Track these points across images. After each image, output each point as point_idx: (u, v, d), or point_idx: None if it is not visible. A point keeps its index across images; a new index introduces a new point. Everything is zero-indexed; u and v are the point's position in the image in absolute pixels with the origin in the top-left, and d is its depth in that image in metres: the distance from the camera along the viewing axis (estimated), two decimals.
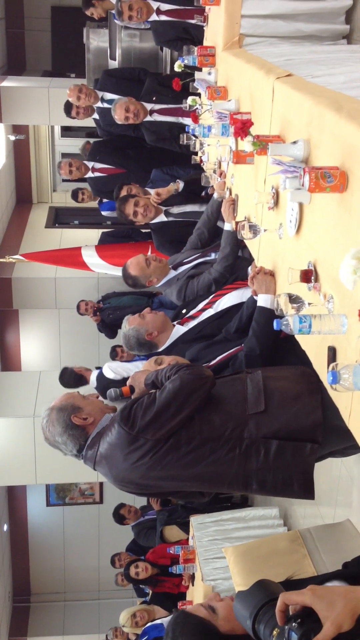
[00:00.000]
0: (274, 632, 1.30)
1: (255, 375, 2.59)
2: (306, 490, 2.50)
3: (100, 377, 5.44)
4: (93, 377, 5.67)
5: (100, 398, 2.77)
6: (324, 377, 2.05)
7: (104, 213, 7.39)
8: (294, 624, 1.24)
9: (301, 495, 2.51)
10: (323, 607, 1.24)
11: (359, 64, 3.23)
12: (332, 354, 1.99)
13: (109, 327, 7.67)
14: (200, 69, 4.42)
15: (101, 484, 10.07)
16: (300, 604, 1.27)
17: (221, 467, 2.46)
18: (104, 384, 5.19)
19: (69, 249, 7.40)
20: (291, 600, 1.28)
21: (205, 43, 4.70)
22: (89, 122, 6.84)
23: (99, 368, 5.69)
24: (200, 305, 3.59)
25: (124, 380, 3.31)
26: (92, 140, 7.42)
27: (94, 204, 7.92)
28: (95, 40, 7.68)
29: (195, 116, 4.44)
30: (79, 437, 2.57)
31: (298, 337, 2.27)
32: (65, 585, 10.57)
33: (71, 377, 5.85)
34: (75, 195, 7.11)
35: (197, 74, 4.38)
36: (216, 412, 2.48)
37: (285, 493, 2.54)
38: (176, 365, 2.59)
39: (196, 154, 4.76)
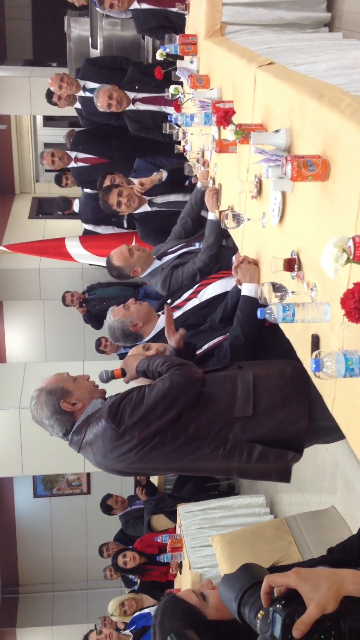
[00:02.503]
0: (259, 614, 1.32)
1: (247, 376, 2.57)
2: (284, 477, 2.57)
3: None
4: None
5: (91, 379, 2.75)
6: (308, 365, 2.07)
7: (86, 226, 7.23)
8: (278, 605, 1.26)
9: (279, 480, 2.60)
10: (307, 589, 1.26)
11: (340, 52, 3.23)
12: (315, 341, 2.01)
13: (95, 318, 7.66)
14: (182, 58, 4.40)
15: (88, 474, 10.08)
16: (285, 586, 1.29)
17: (204, 462, 2.51)
18: None
19: (52, 239, 7.35)
20: (276, 582, 1.30)
21: (187, 31, 4.69)
22: (71, 111, 6.80)
23: None
24: (185, 295, 3.59)
25: None
26: (76, 128, 7.36)
27: (77, 193, 7.87)
28: (77, 29, 7.63)
29: (177, 105, 4.43)
30: (66, 421, 2.58)
31: (282, 326, 2.29)
32: (53, 575, 10.59)
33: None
34: (59, 179, 7.05)
35: (179, 63, 4.36)
36: (204, 412, 2.48)
37: (263, 479, 2.63)
38: (168, 361, 2.56)
39: (179, 143, 4.75)
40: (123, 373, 2.75)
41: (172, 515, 6.30)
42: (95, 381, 2.75)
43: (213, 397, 2.52)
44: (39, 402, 2.60)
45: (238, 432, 2.46)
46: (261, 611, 1.32)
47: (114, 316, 3.34)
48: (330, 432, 1.90)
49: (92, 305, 7.68)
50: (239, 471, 2.55)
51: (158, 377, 2.52)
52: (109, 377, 2.78)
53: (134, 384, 2.68)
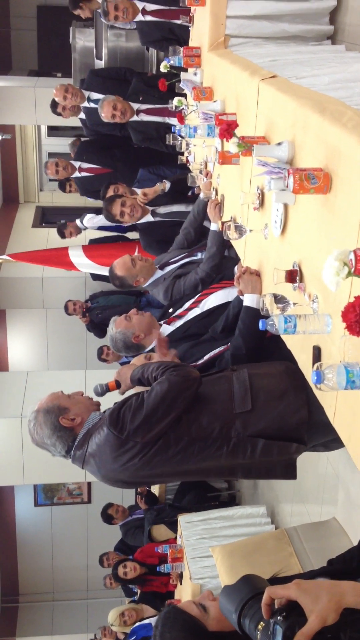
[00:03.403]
0: (259, 626, 1.32)
1: (242, 374, 2.61)
2: (288, 474, 2.57)
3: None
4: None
5: (85, 394, 2.77)
6: (309, 376, 2.07)
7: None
8: (279, 617, 1.26)
9: (284, 477, 2.59)
10: (308, 600, 1.26)
11: (342, 65, 3.26)
12: (317, 353, 2.01)
13: (98, 326, 7.66)
14: (186, 70, 4.43)
15: (89, 483, 10.06)
16: (286, 598, 1.29)
17: (209, 463, 2.50)
18: None
19: (56, 248, 7.38)
20: (277, 594, 1.30)
21: (191, 44, 4.72)
22: (76, 121, 6.84)
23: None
24: (187, 305, 3.60)
25: None
26: (82, 138, 7.40)
27: (80, 202, 7.90)
28: (82, 39, 7.67)
29: (181, 117, 4.46)
30: (67, 438, 2.57)
31: (283, 336, 2.30)
32: (53, 585, 10.55)
33: None
34: (63, 186, 7.08)
35: (182, 75, 4.39)
36: (203, 413, 2.50)
37: (268, 477, 2.63)
38: (163, 365, 2.59)
39: (182, 154, 4.78)
40: (117, 385, 2.76)
41: (173, 526, 6.28)
42: (90, 395, 2.76)
43: (211, 397, 2.55)
44: (38, 423, 2.59)
45: (240, 429, 2.48)
46: (261, 623, 1.33)
47: (116, 327, 3.35)
48: (330, 430, 1.91)
49: (95, 314, 7.69)
50: (244, 469, 2.55)
51: (154, 382, 2.53)
52: (104, 390, 2.79)
53: (130, 393, 2.69)
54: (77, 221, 6.94)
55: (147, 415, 2.42)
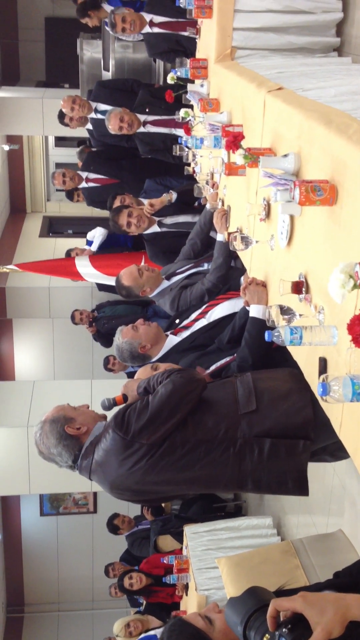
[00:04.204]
0: (265, 638, 1.32)
1: (245, 377, 2.63)
2: (300, 487, 2.53)
3: None
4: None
5: (91, 408, 2.78)
6: (315, 387, 2.07)
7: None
8: (284, 629, 1.26)
9: (296, 492, 2.54)
10: (314, 613, 1.26)
11: (348, 77, 3.27)
12: (323, 364, 2.02)
13: (105, 336, 7.68)
14: (192, 81, 4.46)
15: (95, 493, 10.04)
16: (291, 610, 1.29)
17: (216, 468, 2.49)
18: None
19: (62, 259, 7.41)
20: (282, 606, 1.30)
21: (198, 55, 4.74)
22: (83, 132, 6.88)
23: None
24: (193, 315, 3.61)
25: None
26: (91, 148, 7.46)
27: (87, 212, 7.94)
28: (89, 51, 7.73)
29: (187, 128, 4.48)
30: (74, 447, 2.57)
31: (289, 348, 2.30)
32: (59, 595, 10.52)
33: None
34: (70, 195, 7.12)
35: (189, 86, 4.42)
36: (209, 414, 2.51)
37: (280, 491, 2.57)
38: (168, 370, 2.61)
39: (189, 165, 4.80)
40: (125, 398, 2.76)
41: (179, 536, 6.26)
42: (96, 410, 2.77)
43: (215, 400, 2.56)
44: (44, 432, 2.60)
45: (245, 429, 2.47)
46: (267, 635, 1.32)
47: (122, 337, 3.35)
48: (334, 430, 1.91)
49: (101, 323, 7.71)
50: (254, 479, 2.50)
51: (159, 386, 2.55)
52: (112, 404, 2.79)
53: None
54: (88, 248, 7.10)
55: (152, 416, 2.42)
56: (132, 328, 3.37)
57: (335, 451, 2.70)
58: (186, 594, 5.68)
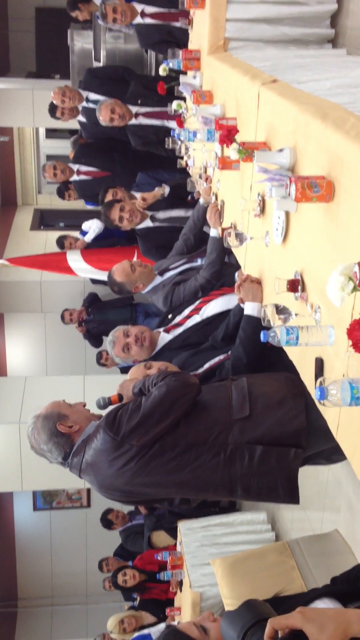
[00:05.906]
0: None
1: (240, 382, 2.61)
2: (291, 495, 2.50)
3: None
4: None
5: (87, 406, 2.74)
6: (311, 386, 2.03)
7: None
8: None
9: (286, 500, 2.51)
10: (313, 630, 1.22)
11: (344, 69, 3.21)
12: (319, 365, 1.97)
13: (94, 337, 7.63)
14: (185, 73, 4.39)
15: (88, 489, 10.01)
16: (290, 627, 1.25)
17: (206, 472, 2.46)
18: None
19: (54, 253, 7.34)
20: (281, 624, 1.26)
21: (190, 46, 4.68)
22: (74, 124, 6.80)
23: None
24: (186, 311, 3.56)
25: None
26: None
27: (79, 205, 7.86)
28: (80, 42, 7.64)
29: (180, 121, 4.41)
30: (65, 444, 2.57)
31: (285, 347, 2.25)
32: (52, 590, 10.50)
33: None
34: (61, 193, 7.04)
35: (182, 78, 4.35)
36: (201, 418, 2.48)
37: (270, 498, 2.54)
38: (163, 373, 2.60)
39: (182, 158, 4.73)
40: (120, 398, 2.75)
41: (173, 532, 6.23)
42: (92, 409, 2.74)
43: (209, 404, 2.53)
44: (36, 428, 2.61)
45: (237, 435, 2.45)
46: None
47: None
48: (330, 436, 1.87)
49: (91, 326, 7.65)
50: (243, 485, 2.47)
51: (153, 388, 2.53)
52: (107, 403, 2.78)
53: None
54: (82, 238, 6.99)
55: (144, 418, 2.40)
56: (123, 350, 3.38)
57: (330, 455, 2.67)
58: (180, 591, 5.66)
